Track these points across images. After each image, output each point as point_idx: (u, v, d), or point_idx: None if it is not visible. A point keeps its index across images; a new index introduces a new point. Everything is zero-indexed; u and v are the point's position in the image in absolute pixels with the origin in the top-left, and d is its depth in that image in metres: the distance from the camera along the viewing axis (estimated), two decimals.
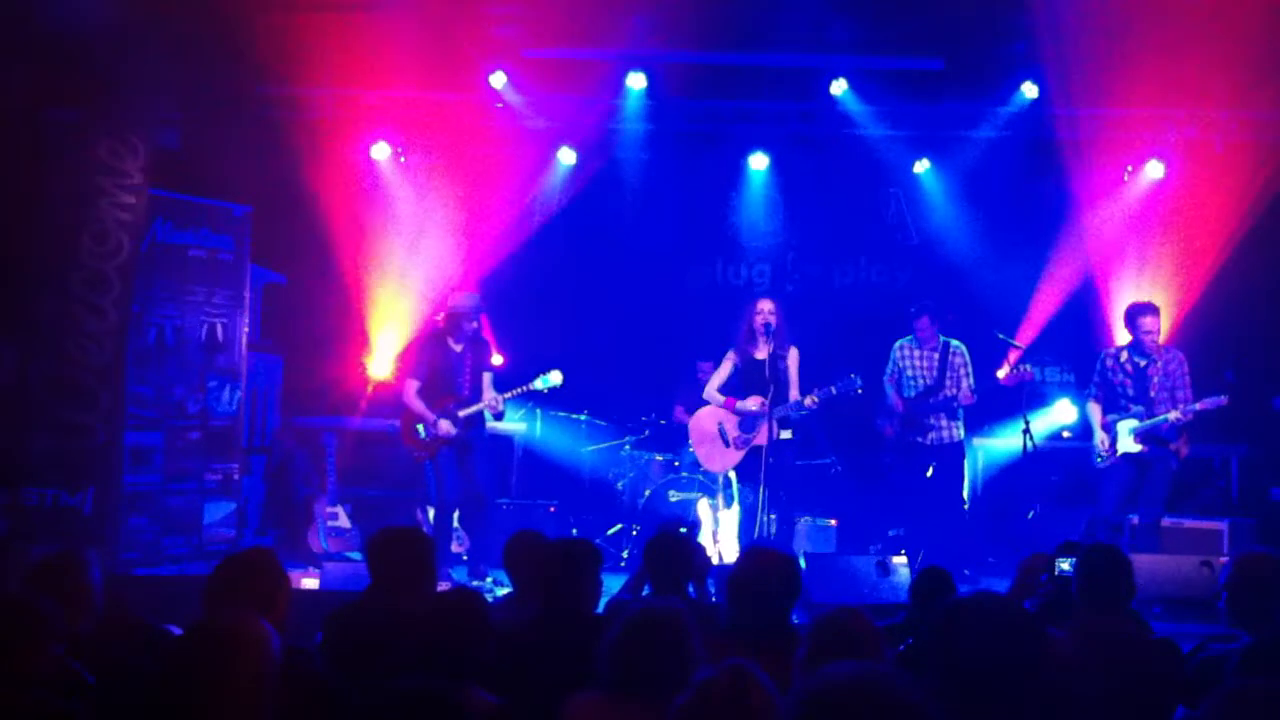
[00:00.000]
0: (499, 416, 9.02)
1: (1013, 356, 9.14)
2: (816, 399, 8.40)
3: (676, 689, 3.00)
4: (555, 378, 8.78)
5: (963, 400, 8.94)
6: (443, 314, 9.04)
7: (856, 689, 2.16)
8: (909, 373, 9.26)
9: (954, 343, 9.23)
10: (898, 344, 9.35)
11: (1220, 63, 9.26)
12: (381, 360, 11.37)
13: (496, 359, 9.54)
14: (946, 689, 2.82)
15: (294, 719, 3.48)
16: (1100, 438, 8.66)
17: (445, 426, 8.71)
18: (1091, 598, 4.39)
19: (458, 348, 8.86)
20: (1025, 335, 10.37)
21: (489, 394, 8.82)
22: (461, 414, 8.74)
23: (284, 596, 4.09)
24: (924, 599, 4.99)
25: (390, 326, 11.41)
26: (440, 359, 8.86)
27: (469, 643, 3.81)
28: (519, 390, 8.79)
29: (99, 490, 8.47)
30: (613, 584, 5.84)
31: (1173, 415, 8.35)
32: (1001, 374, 9.00)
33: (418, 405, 8.80)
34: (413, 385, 8.86)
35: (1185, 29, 8.80)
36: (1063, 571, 4.79)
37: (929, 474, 9.17)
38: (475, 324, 8.89)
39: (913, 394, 9.20)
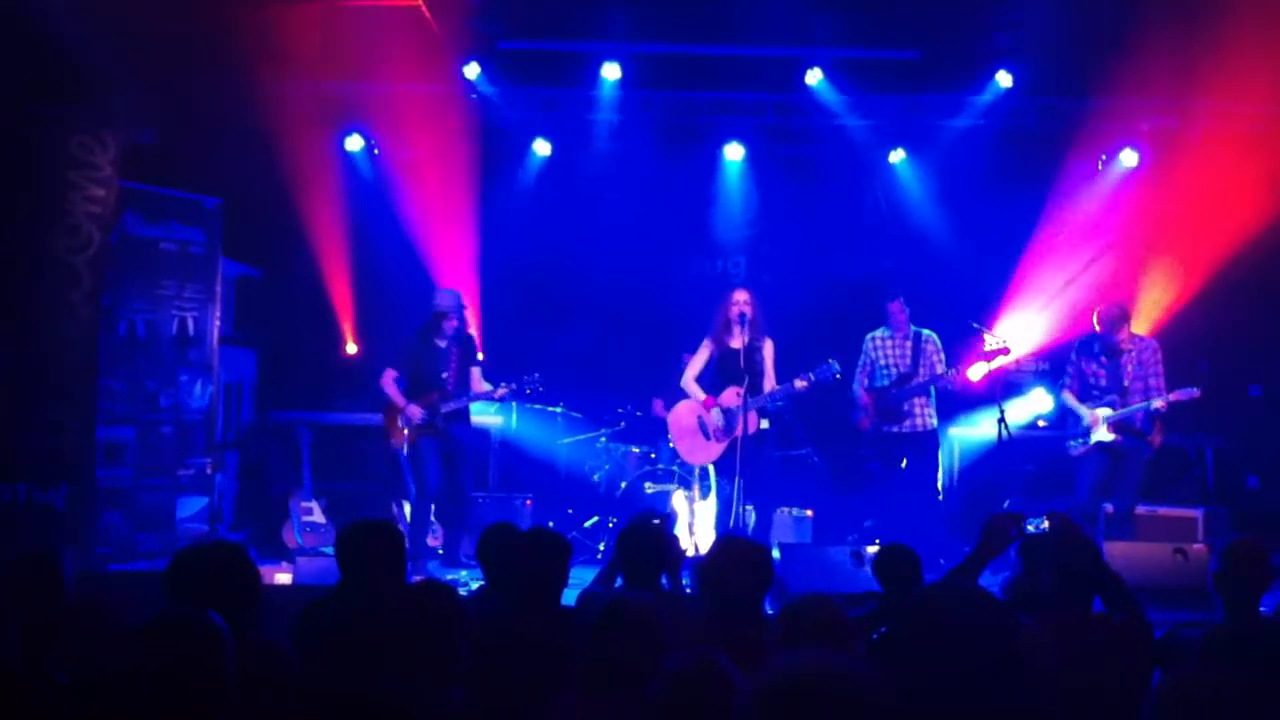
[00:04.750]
0: (505, 400, 9.14)
1: (992, 353, 9.03)
2: (804, 382, 8.39)
3: (648, 682, 2.99)
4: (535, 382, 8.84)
5: (952, 381, 8.93)
6: (430, 312, 9.03)
7: (806, 676, 2.14)
8: (882, 362, 9.27)
9: (925, 331, 9.26)
10: (870, 335, 9.36)
11: (1195, 51, 9.28)
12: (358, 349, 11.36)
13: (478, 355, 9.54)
14: (918, 677, 2.81)
15: (264, 714, 3.46)
16: (1085, 414, 8.60)
17: (415, 412, 8.76)
18: (1062, 586, 4.39)
19: (442, 344, 8.91)
20: (1000, 325, 10.34)
21: (483, 386, 8.89)
22: (444, 409, 8.78)
23: (249, 590, 4.04)
24: (891, 581, 5.01)
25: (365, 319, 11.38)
26: (424, 355, 8.92)
27: (441, 635, 3.79)
28: (510, 389, 8.80)
29: (72, 486, 8.40)
30: (589, 577, 5.82)
31: (1157, 403, 8.33)
32: (976, 375, 8.98)
33: (391, 390, 8.89)
34: (389, 374, 8.95)
35: (1158, 17, 8.81)
36: (1033, 530, 4.80)
37: (903, 464, 9.18)
38: (458, 321, 8.92)
39: (886, 383, 9.21)
